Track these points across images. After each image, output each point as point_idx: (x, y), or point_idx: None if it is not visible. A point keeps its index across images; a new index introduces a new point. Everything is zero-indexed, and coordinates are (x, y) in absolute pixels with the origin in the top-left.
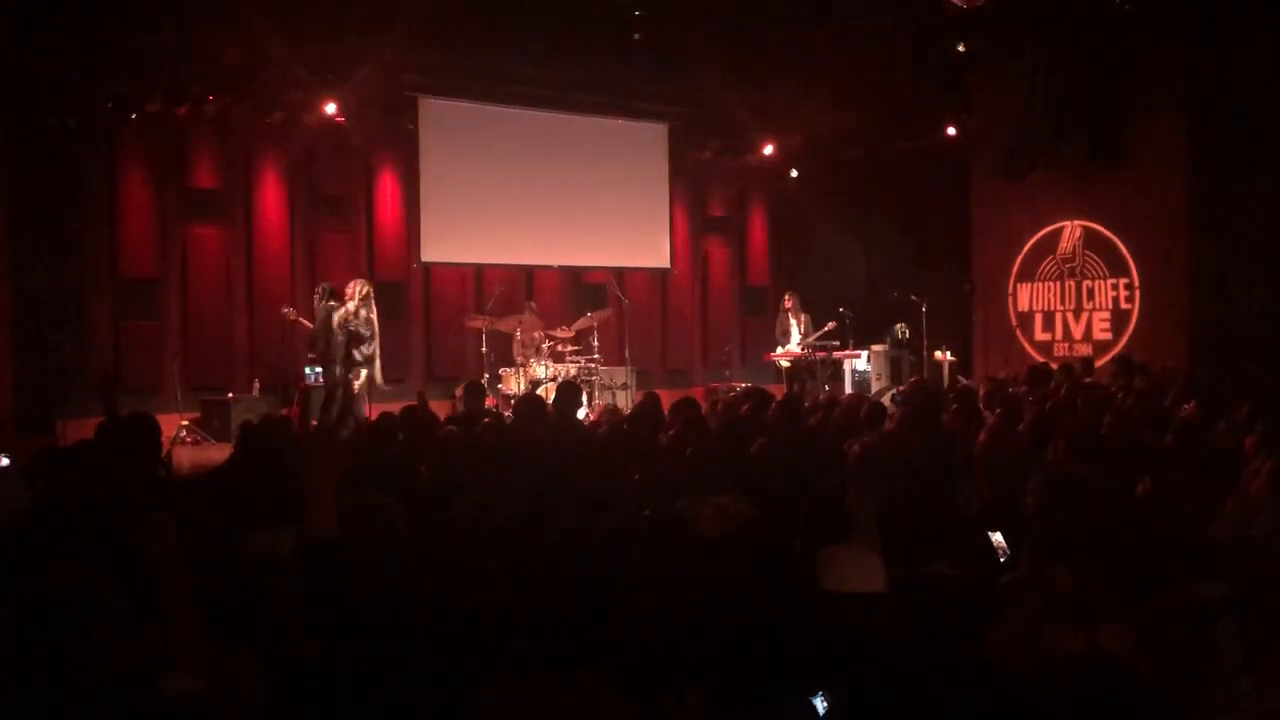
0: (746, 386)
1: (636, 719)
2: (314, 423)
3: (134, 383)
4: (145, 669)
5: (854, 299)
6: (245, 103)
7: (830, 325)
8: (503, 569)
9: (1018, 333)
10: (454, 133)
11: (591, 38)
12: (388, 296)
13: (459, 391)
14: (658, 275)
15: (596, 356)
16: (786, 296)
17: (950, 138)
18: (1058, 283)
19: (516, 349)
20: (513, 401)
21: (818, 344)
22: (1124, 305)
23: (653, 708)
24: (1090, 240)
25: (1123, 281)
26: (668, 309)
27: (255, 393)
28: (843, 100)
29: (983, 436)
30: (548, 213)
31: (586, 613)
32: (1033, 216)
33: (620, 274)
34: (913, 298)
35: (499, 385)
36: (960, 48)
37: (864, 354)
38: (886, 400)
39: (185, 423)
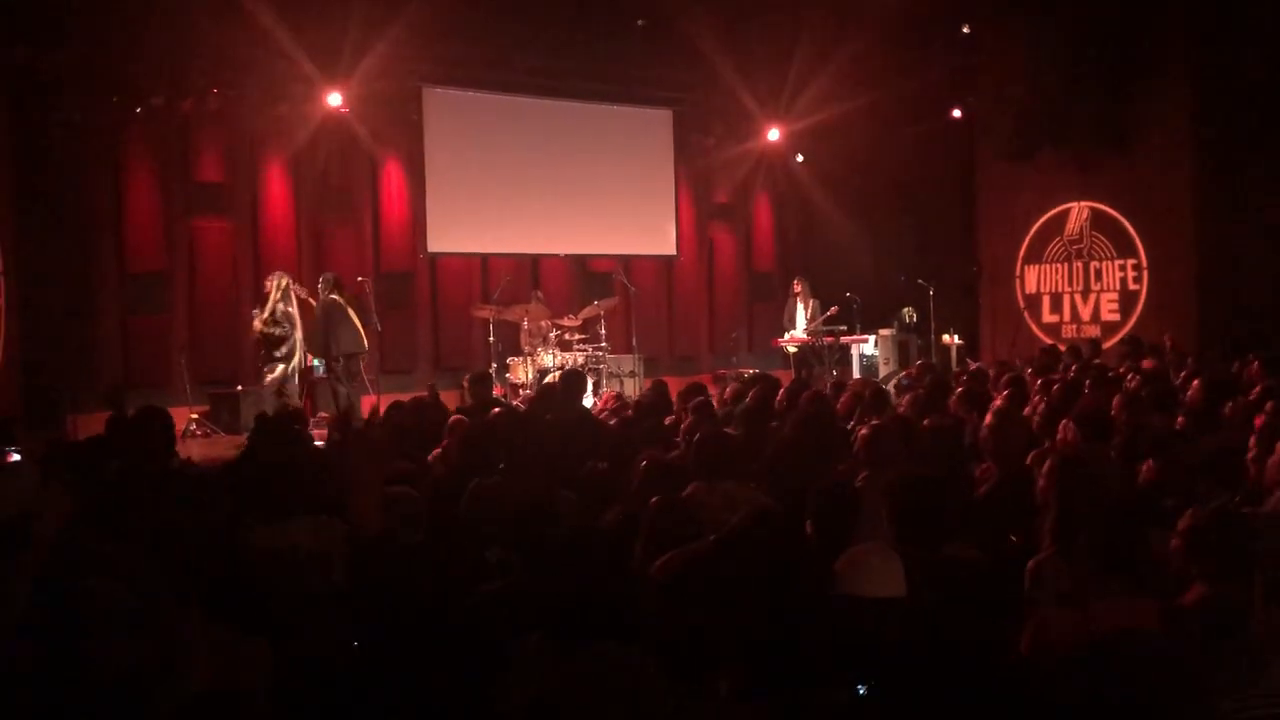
0: (754, 372)
1: (677, 696)
2: (323, 415)
3: (142, 377)
4: (161, 664)
5: (861, 283)
6: (249, 95)
7: (833, 310)
8: (513, 557)
9: (1025, 315)
10: (459, 123)
11: (595, 25)
12: (394, 287)
13: (466, 381)
14: (664, 262)
15: (604, 345)
16: (795, 282)
17: (956, 120)
18: (1065, 264)
19: (524, 338)
20: (523, 392)
21: (825, 329)
22: (1132, 286)
23: (692, 686)
24: (1097, 221)
25: (1130, 262)
26: (674, 296)
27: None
28: (848, 84)
29: (989, 419)
30: (553, 201)
31: (595, 600)
32: (1039, 198)
33: (626, 262)
34: (920, 281)
35: (506, 375)
36: (965, 29)
37: (871, 338)
38: (892, 385)
39: (195, 416)
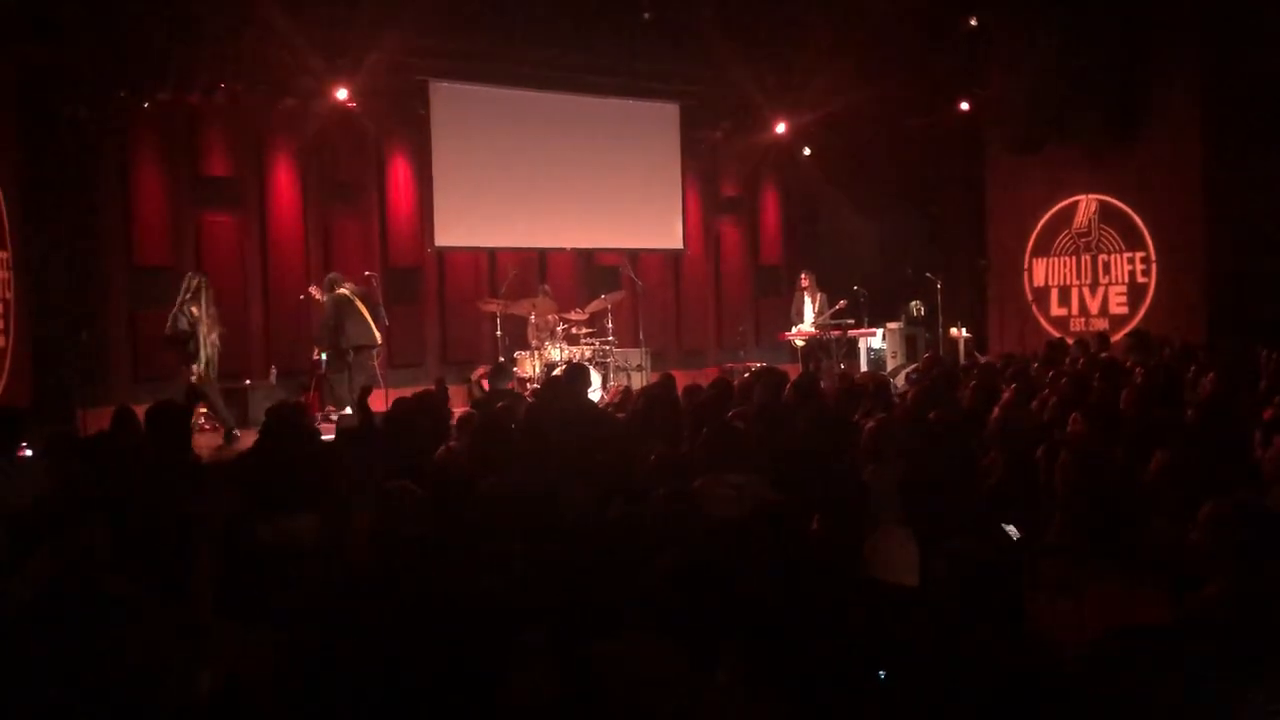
0: (760, 366)
1: (687, 685)
2: (330, 408)
3: (151, 371)
4: (171, 660)
5: (868, 277)
6: (257, 90)
7: (841, 303)
8: (522, 550)
9: (1033, 308)
10: (466, 116)
11: (602, 18)
12: (402, 281)
13: (474, 375)
14: (671, 256)
15: (611, 338)
16: (803, 275)
17: (964, 113)
18: (1073, 257)
19: (531, 332)
20: (530, 385)
21: (832, 322)
22: (1140, 279)
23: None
24: (1106, 214)
25: (1139, 255)
26: (681, 290)
27: (272, 379)
28: (855, 77)
29: (996, 411)
30: (560, 195)
31: (602, 593)
32: (1048, 191)
33: (633, 255)
34: (928, 275)
35: (514, 368)
36: (973, 21)
37: (879, 332)
38: (901, 379)
39: (203, 411)
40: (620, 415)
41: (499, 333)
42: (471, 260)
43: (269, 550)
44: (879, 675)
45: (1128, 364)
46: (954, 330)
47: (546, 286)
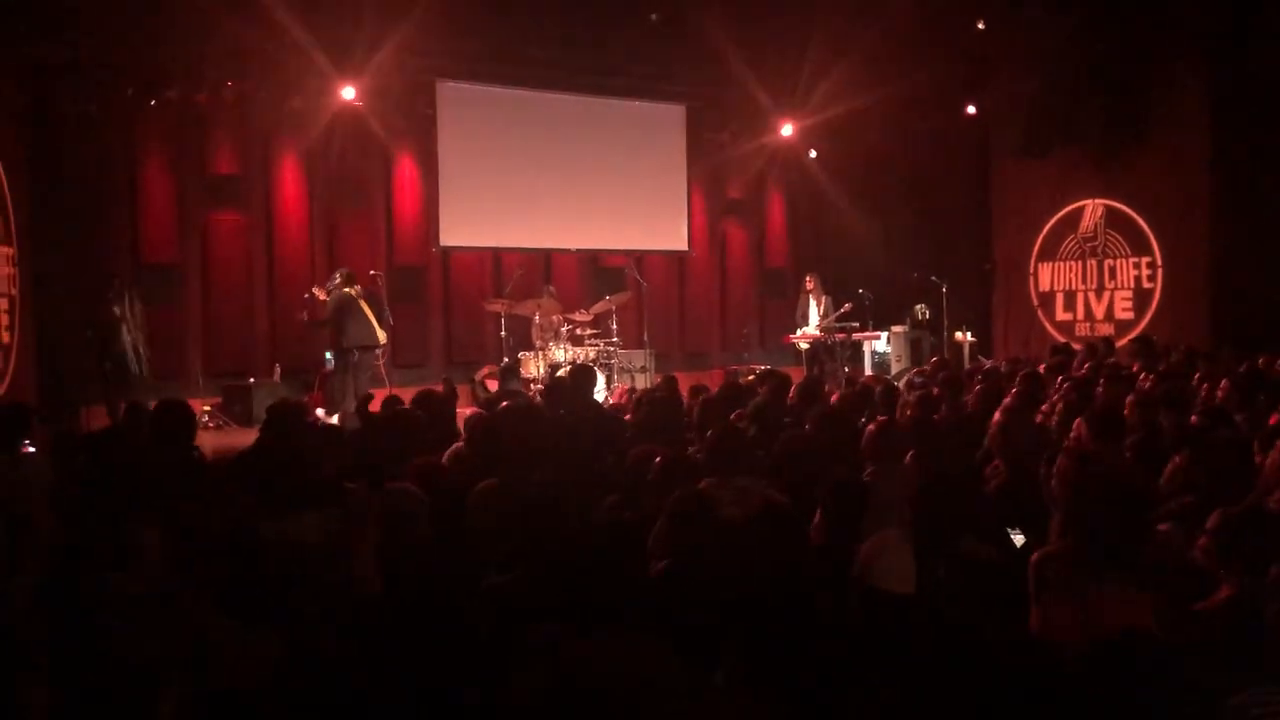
0: (764, 369)
1: (688, 684)
2: (319, 411)
3: (156, 368)
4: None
5: (873, 280)
6: (264, 89)
7: (846, 306)
8: (525, 551)
9: (1039, 313)
10: (472, 117)
11: (609, 20)
12: (407, 281)
13: (478, 376)
14: (676, 258)
15: (615, 340)
16: (808, 278)
17: (970, 117)
18: (1079, 262)
19: (535, 333)
20: (534, 386)
21: (837, 325)
22: (1146, 284)
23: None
24: (1112, 219)
25: (1145, 260)
26: (686, 292)
27: (276, 378)
28: (862, 80)
29: (998, 416)
30: (566, 196)
31: (611, 595)
32: (1054, 195)
33: (638, 257)
34: (933, 278)
35: (518, 369)
36: (980, 25)
37: (884, 335)
38: (904, 383)
39: (207, 408)
40: (627, 417)
41: (503, 333)
42: (476, 260)
43: (271, 549)
44: (878, 678)
45: (1133, 369)
46: (959, 334)
47: (551, 287)
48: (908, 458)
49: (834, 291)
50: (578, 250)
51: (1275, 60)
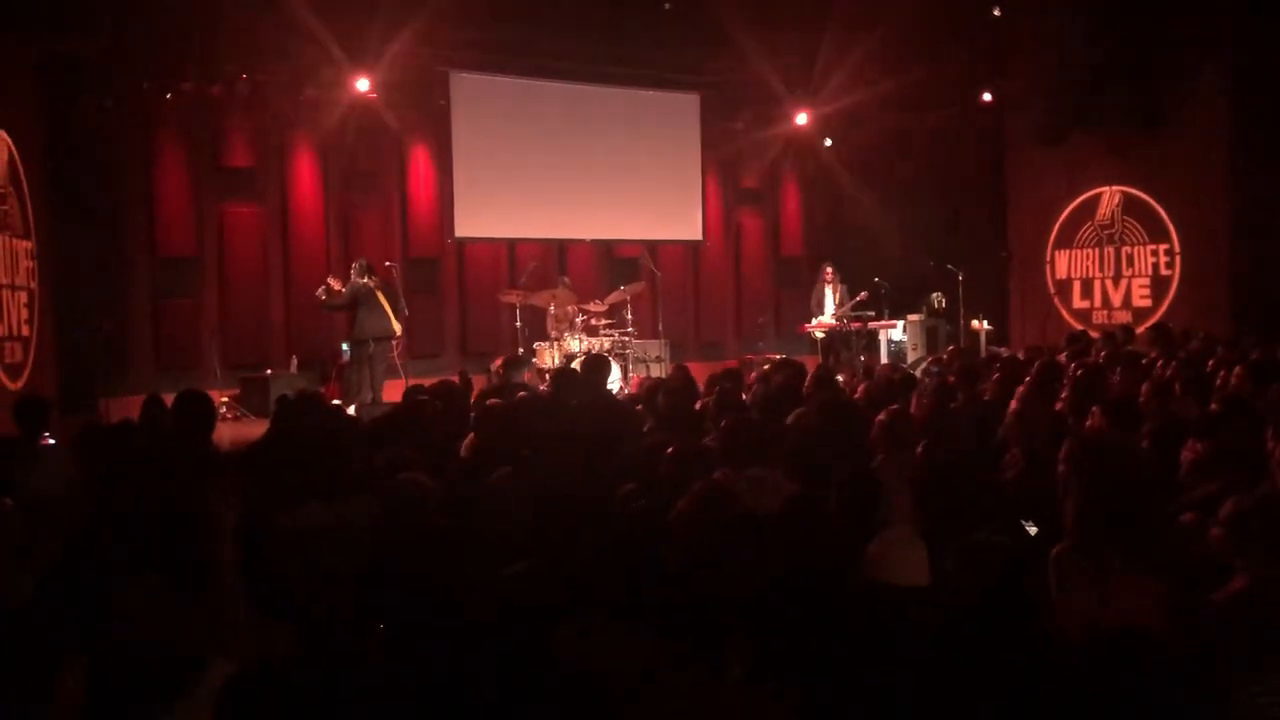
0: (780, 358)
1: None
2: (335, 402)
3: (173, 360)
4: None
5: (889, 269)
6: (278, 80)
7: (862, 295)
8: (541, 542)
9: (1055, 300)
10: (486, 107)
11: (623, 8)
12: (422, 272)
13: (494, 365)
14: (690, 247)
15: (630, 330)
16: (824, 267)
17: (987, 104)
18: (1096, 249)
19: (550, 323)
20: (549, 376)
21: (853, 314)
22: (1164, 271)
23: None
24: (1129, 206)
25: (1163, 247)
26: (700, 281)
27: (293, 369)
28: (877, 68)
29: (1014, 404)
30: (580, 186)
31: (632, 583)
32: (1070, 183)
33: (653, 247)
34: (949, 267)
35: (533, 360)
36: (996, 12)
37: (900, 324)
38: (920, 371)
39: (225, 399)
40: (640, 407)
41: (518, 324)
42: (491, 251)
43: (286, 539)
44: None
45: (1151, 356)
46: (975, 323)
47: (566, 278)
48: (919, 448)
49: (850, 280)
50: (592, 240)
51: None
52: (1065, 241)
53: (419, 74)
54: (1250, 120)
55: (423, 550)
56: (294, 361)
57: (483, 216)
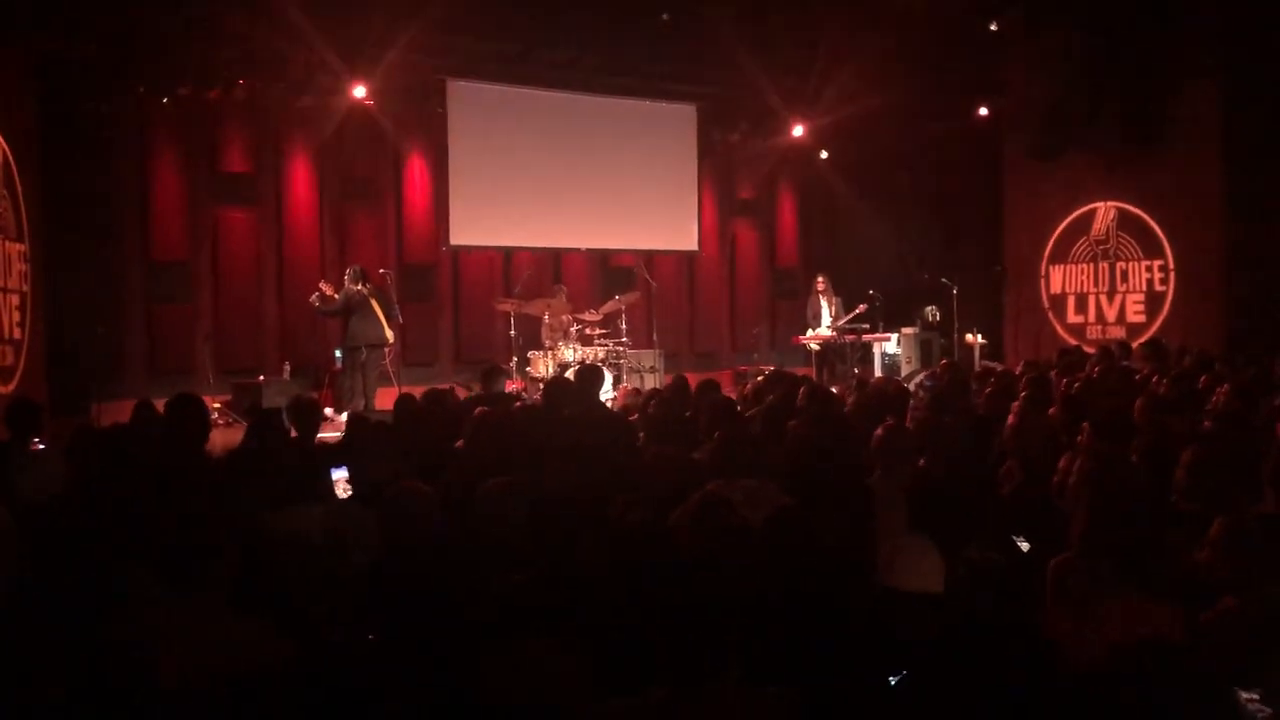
0: (773, 369)
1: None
2: (328, 409)
3: (166, 365)
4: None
5: (884, 281)
6: (275, 86)
7: (860, 308)
8: (538, 552)
9: (1049, 315)
10: (482, 115)
11: (619, 19)
12: (417, 280)
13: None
14: (686, 258)
15: (625, 339)
16: (819, 279)
17: (982, 119)
18: (1091, 265)
19: (545, 332)
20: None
21: (848, 327)
22: (1158, 287)
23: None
24: (1124, 222)
25: (1157, 263)
26: (696, 292)
27: (286, 375)
28: (874, 81)
29: (1011, 419)
30: (576, 195)
31: (630, 594)
32: (1065, 198)
33: (648, 257)
34: (944, 280)
35: (527, 368)
36: (993, 27)
37: (894, 337)
38: (914, 384)
39: (218, 405)
40: (633, 417)
41: (513, 332)
42: (486, 259)
43: (276, 542)
44: (890, 681)
45: (1145, 372)
46: (969, 336)
47: (561, 287)
48: (920, 461)
49: (844, 292)
50: (587, 250)
51: None
52: (1060, 256)
53: (416, 81)
54: (1244, 138)
55: (421, 556)
56: (287, 368)
57: (478, 224)
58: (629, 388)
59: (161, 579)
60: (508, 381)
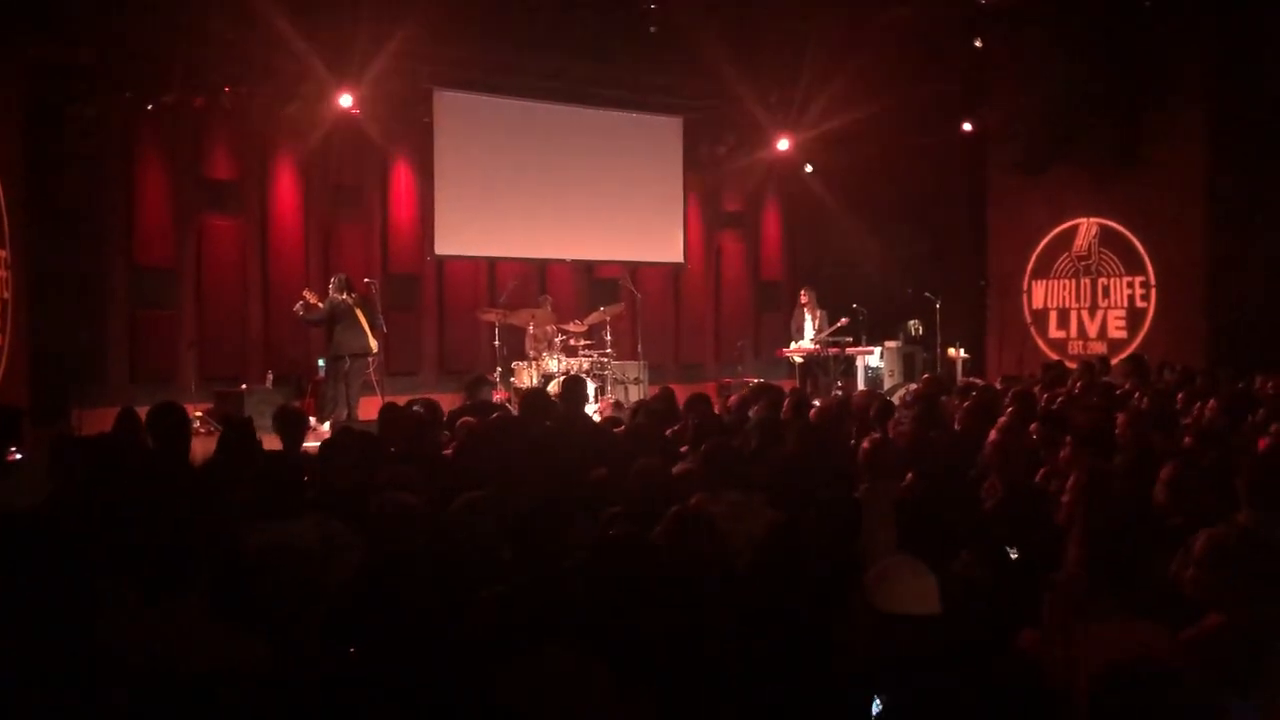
0: (758, 382)
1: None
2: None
3: (149, 372)
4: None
5: (868, 295)
6: (261, 94)
7: (843, 321)
8: (515, 564)
9: (1032, 330)
10: (469, 126)
11: (606, 31)
12: (401, 289)
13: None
14: (671, 270)
15: (609, 351)
16: (803, 292)
17: (967, 133)
18: (1073, 280)
19: (529, 342)
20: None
21: (831, 340)
22: (1139, 303)
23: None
24: (1106, 238)
25: (1139, 279)
26: (681, 303)
27: (269, 384)
28: (859, 95)
29: (993, 435)
30: (561, 206)
31: (604, 610)
32: (1049, 213)
33: (633, 268)
34: (927, 294)
35: (511, 379)
36: (977, 43)
37: (877, 350)
38: (897, 399)
39: (199, 413)
40: (618, 429)
41: (497, 343)
42: (471, 269)
43: (262, 553)
44: (874, 702)
45: (1126, 387)
46: (952, 350)
47: (546, 297)
48: (908, 477)
49: (828, 305)
50: (573, 261)
51: (1270, 81)
52: (1043, 271)
53: (402, 91)
54: (1226, 154)
55: (403, 568)
56: (269, 376)
57: (463, 234)
58: (612, 399)
59: (141, 587)
60: (493, 392)
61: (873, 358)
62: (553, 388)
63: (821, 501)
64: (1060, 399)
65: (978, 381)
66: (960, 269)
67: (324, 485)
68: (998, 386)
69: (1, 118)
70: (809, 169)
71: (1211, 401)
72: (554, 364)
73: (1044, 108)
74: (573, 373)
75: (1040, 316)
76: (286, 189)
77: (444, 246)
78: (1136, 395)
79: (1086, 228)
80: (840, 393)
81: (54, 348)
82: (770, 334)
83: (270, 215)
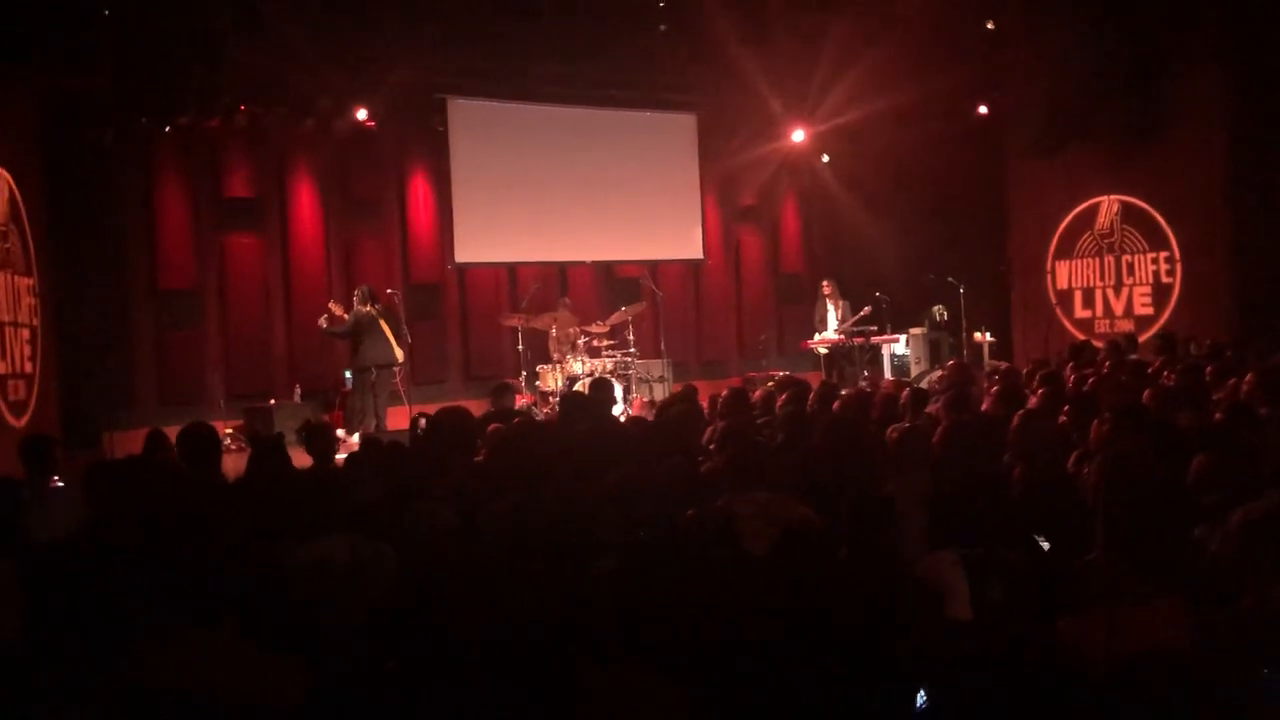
0: (783, 375)
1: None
2: (339, 430)
3: (177, 393)
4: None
5: (890, 283)
6: (276, 111)
7: (866, 310)
8: (545, 570)
9: (1057, 310)
10: (484, 132)
11: (617, 30)
12: (423, 298)
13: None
14: (691, 266)
15: (632, 350)
16: (825, 283)
17: (983, 117)
18: (1096, 259)
19: (553, 346)
20: (552, 399)
21: (855, 329)
22: (1165, 279)
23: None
24: (1128, 214)
25: (1163, 255)
26: (702, 300)
27: (296, 398)
28: (872, 84)
29: (1017, 419)
30: (579, 208)
31: (635, 615)
32: (1069, 193)
33: (653, 266)
34: (950, 279)
35: (536, 383)
36: (990, 25)
37: (902, 338)
38: (926, 385)
39: (229, 430)
40: (644, 430)
41: (520, 347)
42: (492, 275)
43: (298, 572)
44: (918, 701)
45: (1156, 364)
46: (978, 335)
47: (567, 300)
48: (938, 467)
49: (850, 295)
50: (592, 262)
51: None
52: (1065, 252)
53: (417, 101)
54: (1249, 127)
55: (439, 585)
56: (297, 390)
57: (483, 241)
58: (642, 400)
59: (179, 613)
60: (517, 396)
61: (898, 345)
62: (580, 388)
63: (852, 497)
64: (1090, 380)
65: (1002, 365)
66: (981, 253)
67: (352, 499)
68: (1024, 371)
69: (20, 147)
70: (825, 159)
71: (1250, 376)
72: (578, 366)
73: (1058, 86)
74: (598, 374)
75: (1065, 297)
76: (305, 204)
77: (464, 254)
78: (1165, 373)
79: (1108, 205)
80: (865, 383)
81: (82, 374)
82: (793, 327)
83: (290, 231)
